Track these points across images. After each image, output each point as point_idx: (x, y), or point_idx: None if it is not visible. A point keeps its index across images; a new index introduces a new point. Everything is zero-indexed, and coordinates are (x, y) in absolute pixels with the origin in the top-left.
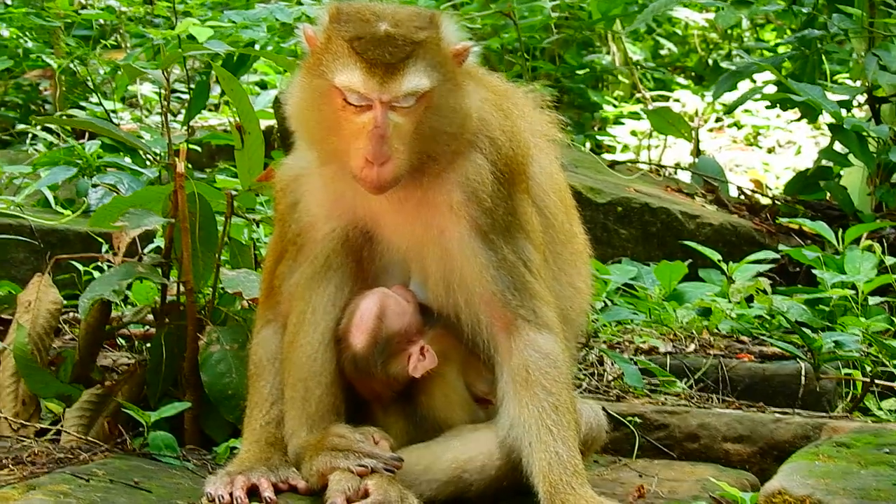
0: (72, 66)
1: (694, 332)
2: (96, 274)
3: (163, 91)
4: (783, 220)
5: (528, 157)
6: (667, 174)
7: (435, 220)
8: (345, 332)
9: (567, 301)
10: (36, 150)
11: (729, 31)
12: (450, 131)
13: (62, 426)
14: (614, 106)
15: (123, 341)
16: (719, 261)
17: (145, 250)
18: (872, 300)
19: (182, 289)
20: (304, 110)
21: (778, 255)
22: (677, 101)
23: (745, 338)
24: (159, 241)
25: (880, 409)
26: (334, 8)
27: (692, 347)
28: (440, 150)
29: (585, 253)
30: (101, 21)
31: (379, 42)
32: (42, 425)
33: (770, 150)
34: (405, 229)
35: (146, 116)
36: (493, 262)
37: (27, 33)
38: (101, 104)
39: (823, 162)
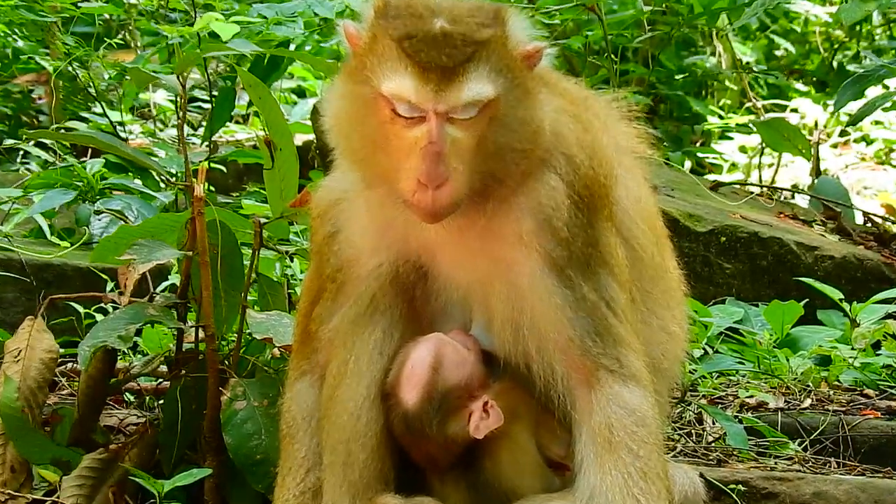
0: (70, 69)
1: (810, 384)
2: (99, 317)
3: (179, 100)
4: None
5: (612, 177)
6: (781, 198)
7: (501, 252)
8: (394, 386)
9: (658, 348)
10: (28, 169)
11: (856, 28)
12: (518, 147)
13: (58, 497)
14: (720, 117)
15: (132, 397)
16: (841, 300)
17: (157, 289)
18: None
19: (201, 335)
20: (346, 123)
21: None
22: (795, 111)
23: (870, 391)
24: (174, 279)
25: None
26: (381, 1)
27: (808, 403)
28: (507, 171)
29: (680, 291)
30: (106, 16)
31: (434, 42)
32: (35, 496)
33: None
34: (466, 264)
35: (160, 130)
36: (571, 302)
37: (17, 31)
38: (105, 115)
39: None
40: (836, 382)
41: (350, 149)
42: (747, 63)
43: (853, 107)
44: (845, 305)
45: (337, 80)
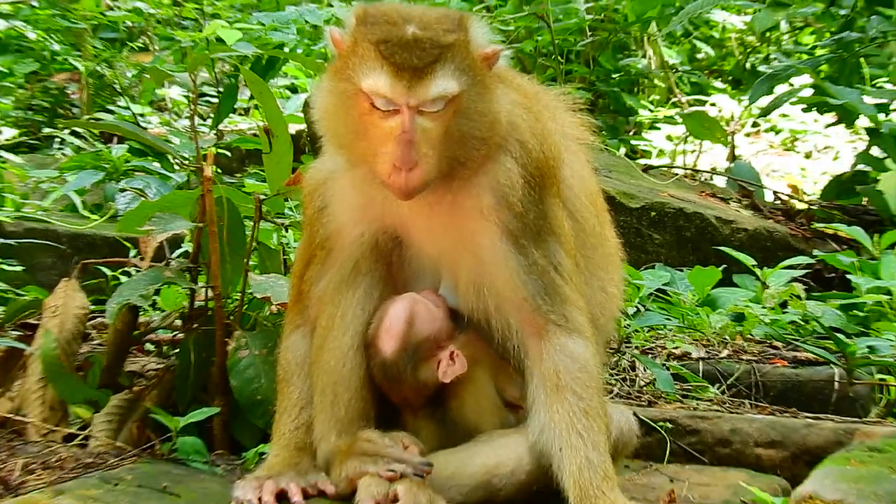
0: (99, 68)
1: (727, 337)
2: (123, 279)
3: (191, 94)
4: (819, 226)
5: (559, 160)
6: (702, 179)
7: (465, 224)
8: (374, 338)
9: (598, 306)
10: (63, 154)
11: (767, 34)
12: (479, 135)
13: (90, 431)
14: (650, 110)
15: (151, 346)
16: (754, 266)
17: (173, 255)
18: None
19: (210, 294)
20: (331, 114)
21: (813, 261)
22: (714, 105)
23: (778, 343)
24: (187, 246)
25: None
26: (361, 10)
27: (725, 353)
28: (469, 155)
29: (617, 257)
30: (129, 23)
31: (406, 45)
32: (70, 430)
33: (807, 155)
34: (435, 234)
35: (174, 120)
36: (524, 266)
37: (53, 35)
38: (128, 108)
39: (860, 166)
40: (750, 336)
41: (335, 136)
42: (673, 64)
43: (764, 101)
44: (757, 270)
45: (324, 78)
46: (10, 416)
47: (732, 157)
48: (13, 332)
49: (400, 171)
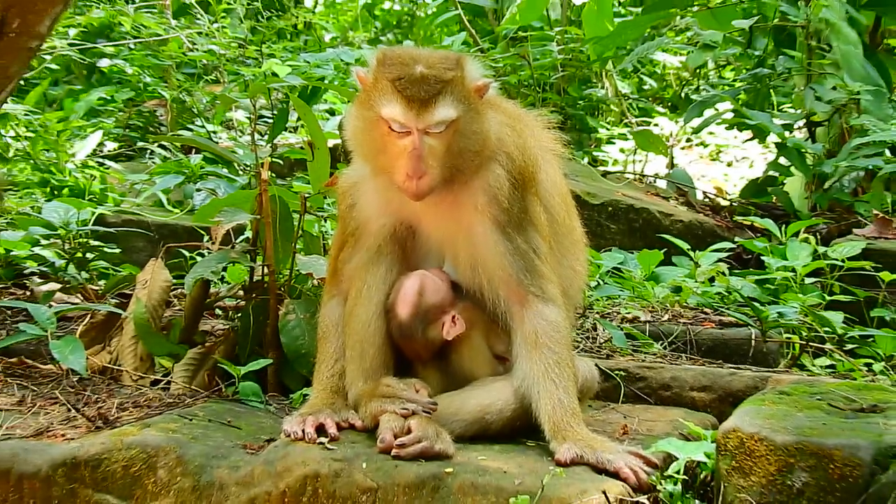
0: (181, 96)
1: (668, 305)
2: (199, 259)
3: (252, 116)
4: (739, 218)
5: (537, 167)
6: (647, 182)
7: (463, 217)
8: (392, 305)
9: (568, 280)
10: (153, 162)
11: (697, 70)
12: (473, 149)
13: (172, 378)
14: (606, 129)
15: (220, 311)
16: (688, 250)
17: (237, 240)
18: (808, 280)
19: (265, 270)
20: (358, 135)
21: (734, 246)
22: (656, 125)
23: (708, 309)
24: (248, 234)
25: (814, 365)
26: (381, 53)
27: (666, 317)
28: (466, 164)
29: (582, 242)
30: (204, 61)
31: (415, 81)
32: (156, 377)
33: (729, 164)
34: (440, 225)
35: (239, 136)
36: (510, 249)
37: (146, 70)
38: (203, 126)
39: (771, 173)
40: (685, 304)
41: (361, 151)
42: (625, 93)
43: (695, 122)
44: (691, 253)
45: (352, 106)
46: (109, 365)
47: (671, 165)
48: (112, 300)
49: (412, 178)
